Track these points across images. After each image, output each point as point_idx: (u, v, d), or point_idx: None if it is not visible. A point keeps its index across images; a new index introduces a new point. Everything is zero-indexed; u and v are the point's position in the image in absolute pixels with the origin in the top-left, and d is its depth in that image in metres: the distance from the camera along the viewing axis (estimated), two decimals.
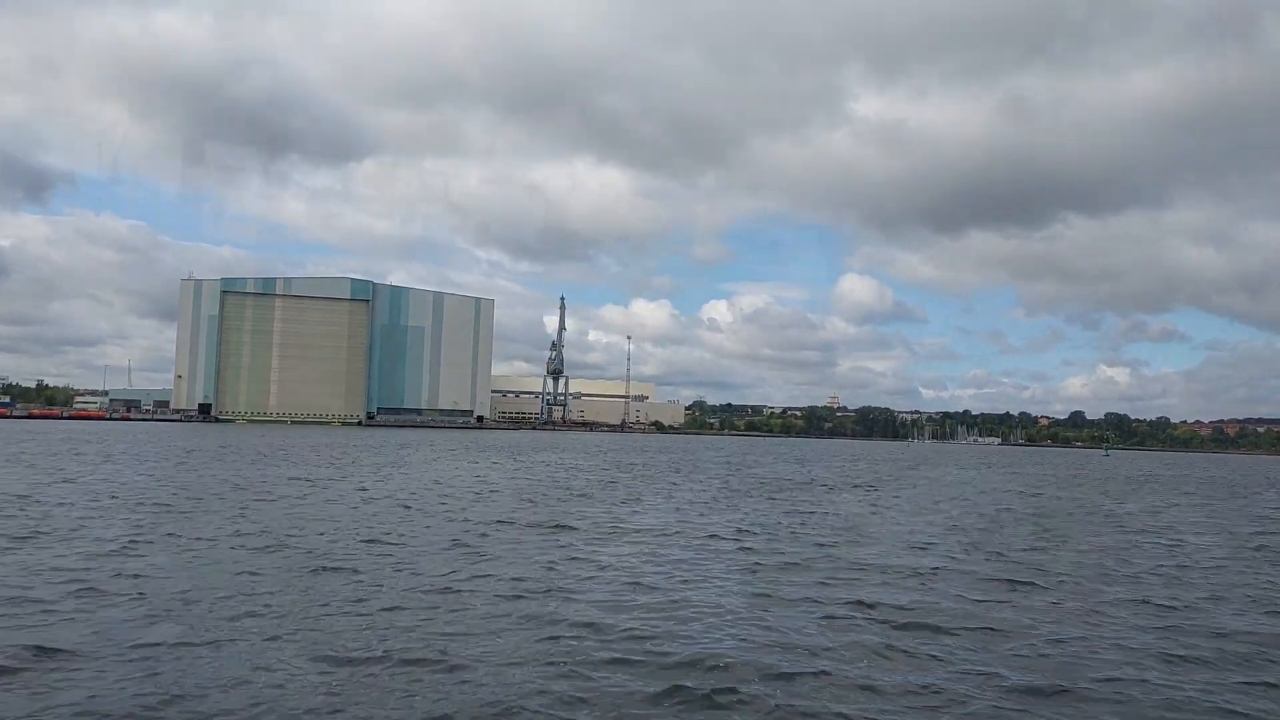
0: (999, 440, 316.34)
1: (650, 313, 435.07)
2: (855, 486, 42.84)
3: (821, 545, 19.74)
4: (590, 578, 14.55)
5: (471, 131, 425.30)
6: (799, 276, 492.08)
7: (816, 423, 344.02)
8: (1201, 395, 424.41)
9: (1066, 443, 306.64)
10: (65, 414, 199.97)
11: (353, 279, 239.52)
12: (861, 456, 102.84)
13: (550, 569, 15.24)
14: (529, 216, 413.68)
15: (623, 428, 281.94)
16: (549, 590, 13.39)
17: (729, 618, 11.91)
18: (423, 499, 27.53)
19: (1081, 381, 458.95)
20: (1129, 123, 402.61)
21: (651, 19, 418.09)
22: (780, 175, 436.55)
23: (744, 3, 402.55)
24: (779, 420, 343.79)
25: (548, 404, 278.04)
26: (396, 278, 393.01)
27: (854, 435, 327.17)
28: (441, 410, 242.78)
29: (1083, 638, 11.51)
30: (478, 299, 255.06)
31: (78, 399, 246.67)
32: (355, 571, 14.32)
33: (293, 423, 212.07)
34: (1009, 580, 15.67)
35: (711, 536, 20.52)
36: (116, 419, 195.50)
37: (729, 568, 16.16)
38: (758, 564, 16.65)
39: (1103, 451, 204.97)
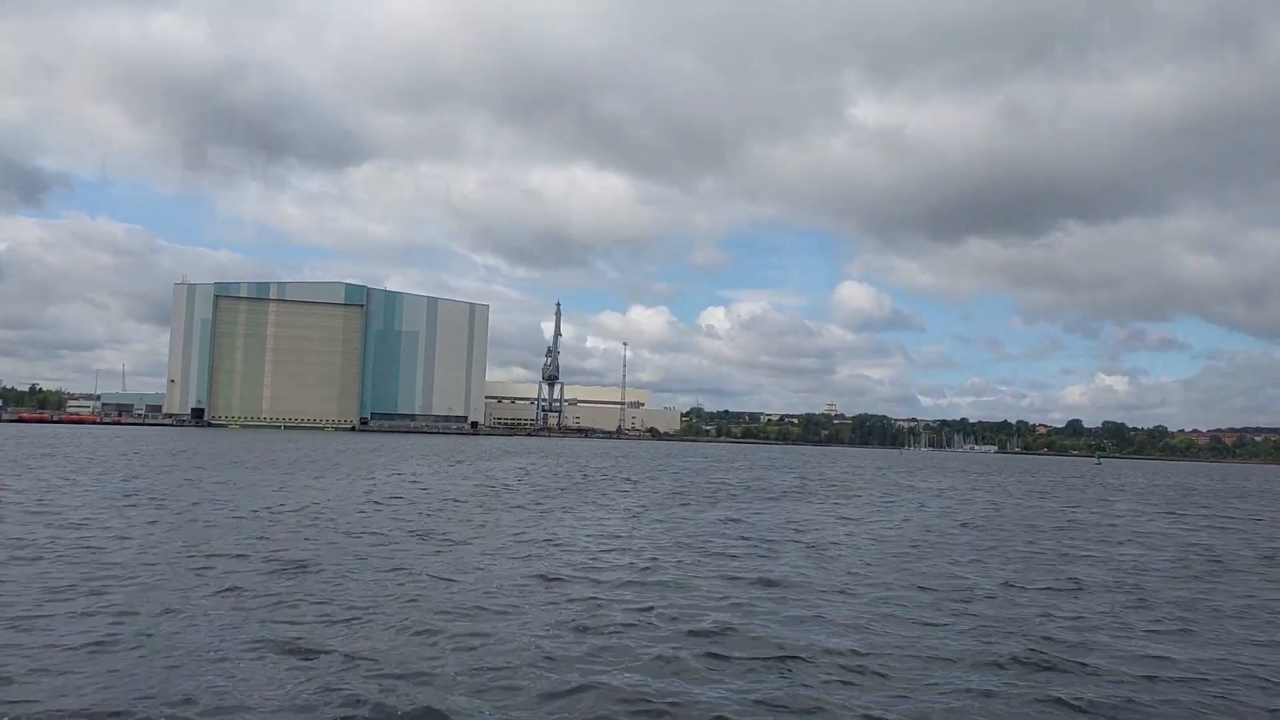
0: (995, 448, 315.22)
1: (648, 319, 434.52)
2: (815, 494, 42.11)
3: (719, 555, 19.06)
4: (419, 593, 13.88)
5: (469, 136, 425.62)
6: (797, 283, 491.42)
7: (813, 430, 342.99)
8: (1200, 404, 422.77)
9: (1063, 451, 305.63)
10: (56, 418, 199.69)
11: (347, 284, 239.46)
12: (847, 464, 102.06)
13: (378, 583, 14.56)
14: (527, 221, 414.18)
15: (618, 434, 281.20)
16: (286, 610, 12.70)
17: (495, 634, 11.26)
18: (341, 506, 26.85)
19: (1080, 390, 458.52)
20: (1128, 129, 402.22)
21: (649, 22, 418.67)
22: (778, 181, 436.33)
23: (742, 6, 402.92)
24: (776, 427, 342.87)
25: (543, 410, 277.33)
26: (393, 283, 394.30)
27: (851, 443, 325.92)
28: (436, 416, 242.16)
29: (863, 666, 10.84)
30: (472, 304, 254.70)
31: (71, 403, 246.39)
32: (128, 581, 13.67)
33: (286, 428, 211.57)
34: (882, 599, 14.99)
35: (611, 550, 19.81)
36: (108, 423, 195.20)
37: (584, 579, 15.47)
38: (616, 577, 15.98)
39: (1095, 460, 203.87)
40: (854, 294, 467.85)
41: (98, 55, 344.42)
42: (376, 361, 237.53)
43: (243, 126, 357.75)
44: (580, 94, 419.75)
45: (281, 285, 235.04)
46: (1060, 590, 16.27)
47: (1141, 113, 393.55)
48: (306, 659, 9.75)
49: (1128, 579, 18.07)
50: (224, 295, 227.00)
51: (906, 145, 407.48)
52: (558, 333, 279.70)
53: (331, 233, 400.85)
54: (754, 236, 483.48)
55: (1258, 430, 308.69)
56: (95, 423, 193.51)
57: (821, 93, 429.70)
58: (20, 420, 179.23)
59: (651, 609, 12.98)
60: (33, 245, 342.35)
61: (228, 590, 13.13)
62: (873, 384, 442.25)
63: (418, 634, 11.01)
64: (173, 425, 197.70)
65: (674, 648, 10.84)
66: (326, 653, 10.00)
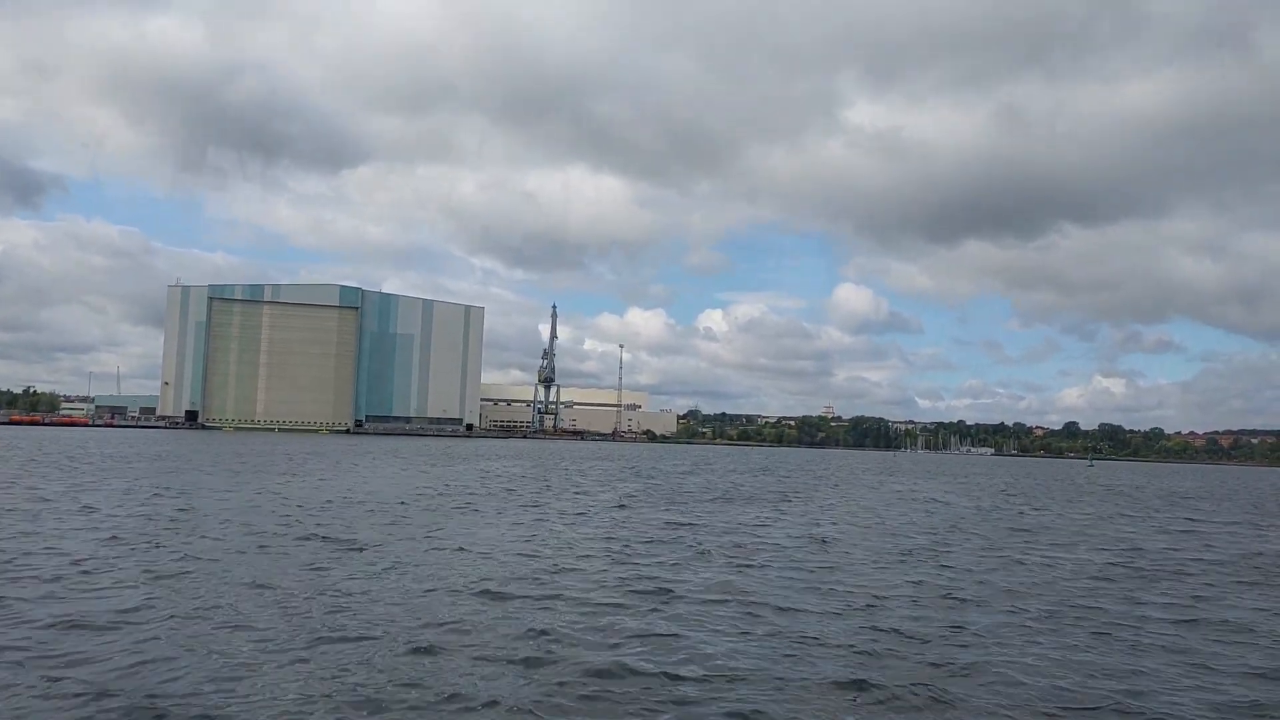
0: (992, 450, 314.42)
1: (646, 321, 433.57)
2: (777, 497, 41.24)
3: (629, 562, 18.23)
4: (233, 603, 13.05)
5: (465, 138, 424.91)
6: (794, 286, 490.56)
7: (810, 432, 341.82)
8: (1197, 406, 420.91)
9: (1059, 453, 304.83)
10: (48, 420, 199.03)
11: (341, 286, 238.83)
12: (831, 467, 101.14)
13: (235, 593, 13.73)
14: (524, 224, 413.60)
15: (614, 436, 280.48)
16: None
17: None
18: (273, 508, 26.06)
19: (1077, 392, 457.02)
20: (1125, 132, 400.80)
21: (645, 25, 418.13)
22: (775, 183, 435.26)
23: (737, 8, 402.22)
24: (773, 430, 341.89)
25: (539, 413, 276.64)
26: (390, 285, 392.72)
27: (848, 445, 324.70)
28: (431, 418, 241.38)
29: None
30: (467, 306, 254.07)
31: (65, 405, 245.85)
32: None
33: (280, 430, 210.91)
34: (783, 610, 14.15)
35: (521, 555, 18.98)
36: (99, 426, 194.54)
37: (468, 589, 14.65)
38: (504, 589, 15.15)
39: (1087, 462, 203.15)
40: (851, 296, 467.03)
41: (93, 57, 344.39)
42: (371, 364, 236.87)
43: (239, 128, 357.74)
44: (577, 96, 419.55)
45: (276, 287, 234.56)
46: (977, 601, 15.41)
47: (1138, 115, 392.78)
48: (86, 683, 8.92)
49: (1061, 583, 17.24)
50: (218, 298, 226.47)
51: (903, 147, 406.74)
52: (554, 335, 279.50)
53: (328, 235, 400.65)
54: (751, 239, 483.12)
55: (1254, 432, 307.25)
56: (86, 425, 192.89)
57: (818, 95, 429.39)
58: (11, 422, 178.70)
59: (504, 618, 12.16)
60: (28, 248, 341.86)
61: (49, 597, 12.32)
62: (870, 386, 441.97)
63: (216, 653, 10.17)
64: (165, 428, 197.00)
65: (504, 667, 10.03)
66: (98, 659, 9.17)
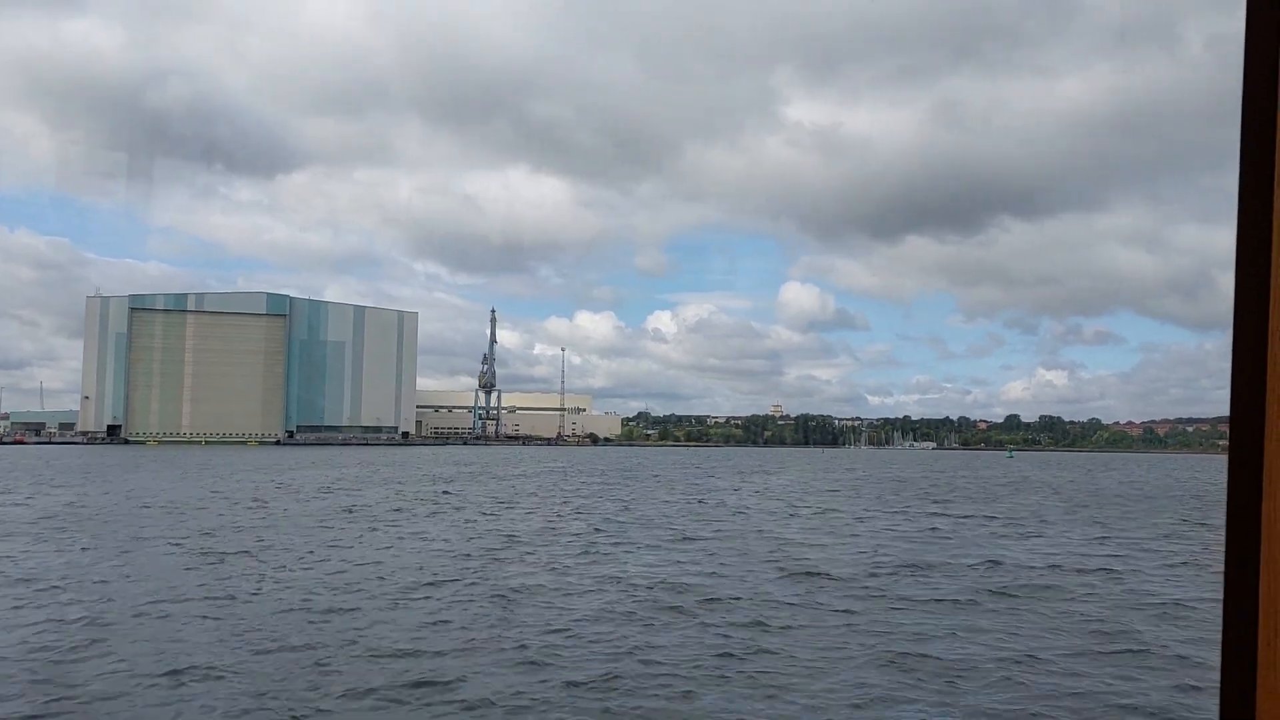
0: (934, 445, 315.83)
1: (595, 324, 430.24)
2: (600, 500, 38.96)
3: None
4: None
5: (403, 142, 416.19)
6: (742, 286, 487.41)
7: (756, 432, 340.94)
8: (1138, 396, 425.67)
9: (999, 445, 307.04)
10: None
11: (268, 294, 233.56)
12: (735, 466, 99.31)
13: None
14: (466, 228, 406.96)
15: (558, 441, 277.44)
16: None
17: None
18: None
19: (1021, 385, 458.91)
20: (1060, 125, 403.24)
21: (582, 24, 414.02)
22: (718, 183, 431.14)
23: (674, 6, 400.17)
24: (719, 430, 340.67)
25: (480, 418, 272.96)
26: (331, 292, 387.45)
27: (794, 443, 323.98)
28: (365, 427, 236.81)
29: None
30: (400, 312, 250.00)
31: None
32: None
33: (207, 443, 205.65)
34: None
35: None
36: (9, 443, 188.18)
37: None
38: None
39: (1007, 454, 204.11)
40: (798, 295, 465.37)
41: (5, 60, 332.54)
42: (301, 373, 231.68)
43: (168, 134, 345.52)
44: (515, 97, 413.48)
45: (200, 296, 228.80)
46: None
47: (1073, 108, 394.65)
48: None
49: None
50: (139, 308, 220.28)
51: (843, 144, 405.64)
52: (493, 339, 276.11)
53: (266, 243, 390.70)
54: (697, 239, 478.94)
55: (1191, 421, 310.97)
56: None
57: (756, 92, 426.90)
58: None
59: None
60: None
61: None
62: (820, 384, 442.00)
63: None
64: (84, 444, 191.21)
65: None
66: None
